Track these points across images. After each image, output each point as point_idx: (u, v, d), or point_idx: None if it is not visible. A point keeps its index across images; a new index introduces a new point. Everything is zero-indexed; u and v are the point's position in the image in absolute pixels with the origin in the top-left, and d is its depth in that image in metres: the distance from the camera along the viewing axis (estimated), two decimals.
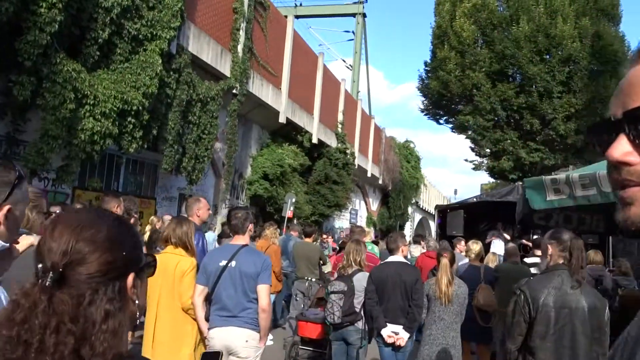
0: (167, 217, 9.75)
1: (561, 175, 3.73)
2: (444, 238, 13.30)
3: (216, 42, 13.99)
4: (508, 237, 14.08)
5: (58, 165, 9.39)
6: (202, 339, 3.87)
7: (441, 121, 22.21)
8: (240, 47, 15.13)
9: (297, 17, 20.63)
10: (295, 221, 20.05)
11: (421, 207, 51.44)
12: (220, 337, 3.64)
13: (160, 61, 10.91)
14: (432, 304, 4.60)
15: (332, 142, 24.16)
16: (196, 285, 3.79)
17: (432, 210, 58.78)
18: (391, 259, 4.75)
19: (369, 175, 30.99)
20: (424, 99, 21.98)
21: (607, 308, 2.75)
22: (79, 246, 1.10)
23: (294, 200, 18.49)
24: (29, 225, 2.81)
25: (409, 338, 4.54)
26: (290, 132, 20.31)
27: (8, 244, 1.59)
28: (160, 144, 12.47)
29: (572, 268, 2.77)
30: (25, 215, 2.82)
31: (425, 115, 21.98)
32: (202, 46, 13.28)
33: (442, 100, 20.77)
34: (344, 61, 33.11)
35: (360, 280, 4.70)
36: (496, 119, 18.63)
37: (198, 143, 13.46)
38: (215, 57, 14.03)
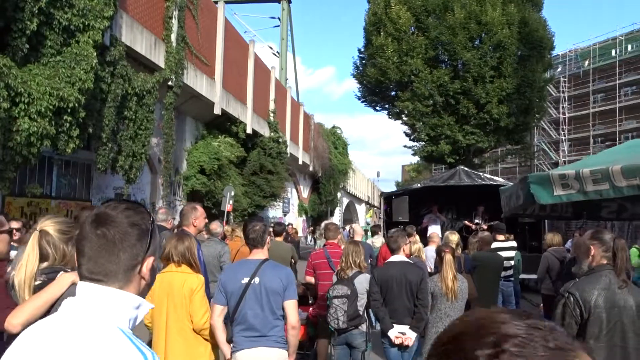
0: None
1: (570, 171, 3.84)
2: (390, 224, 13.58)
3: (149, 32, 13.28)
4: (444, 219, 14.61)
5: None
6: None
7: (378, 107, 22.52)
8: (173, 37, 14.47)
9: (226, 2, 19.99)
10: (232, 215, 19.67)
11: (348, 191, 52.29)
12: (250, 359, 3.43)
13: (94, 54, 10.20)
14: (437, 301, 4.63)
15: (265, 131, 23.87)
16: (215, 306, 3.53)
17: (358, 194, 59.97)
18: (394, 258, 4.72)
19: (300, 162, 31.00)
20: (360, 85, 22.17)
21: None
22: None
23: (232, 193, 18.11)
24: (65, 260, 2.47)
25: (416, 337, 4.56)
26: (225, 123, 19.81)
27: (153, 305, 1.37)
28: (94, 143, 11.70)
29: (617, 268, 2.86)
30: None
31: (362, 102, 22.18)
32: (135, 36, 12.54)
33: (377, 88, 21.04)
34: (271, 48, 32.68)
35: (362, 282, 4.64)
36: (434, 104, 19.16)
37: (134, 140, 12.75)
38: (149, 47, 13.32)
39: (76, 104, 9.77)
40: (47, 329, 1.19)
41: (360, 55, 21.79)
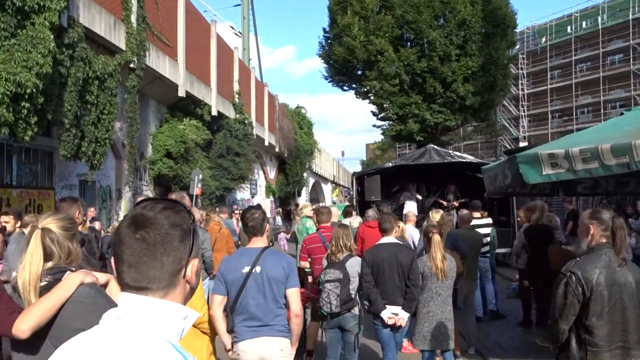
0: (91, 211, 8.92)
1: (559, 150, 3.87)
2: (363, 204, 13.66)
3: (108, 12, 12.75)
4: (420, 197, 14.75)
5: None
6: (214, 353, 3.56)
7: (345, 87, 22.37)
8: (134, 17, 13.95)
9: None
10: (200, 199, 19.39)
11: (314, 171, 52.32)
12: (253, 349, 3.35)
13: (52, 36, 9.72)
14: (428, 281, 4.66)
15: (231, 113, 23.53)
16: (214, 296, 3.43)
17: (324, 173, 60.14)
18: (384, 240, 4.71)
19: (266, 144, 30.77)
20: (327, 65, 21.96)
21: None
22: None
23: (200, 176, 17.85)
24: (70, 259, 2.32)
25: (408, 317, 4.59)
26: (189, 106, 19.38)
27: (200, 314, 1.29)
28: (56, 129, 11.24)
29: (617, 247, 2.91)
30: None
31: (330, 82, 21.99)
32: (94, 17, 12.01)
33: (344, 67, 20.88)
34: (233, 28, 32.01)
35: (353, 266, 4.61)
36: (400, 83, 19.15)
37: (97, 125, 12.30)
38: (109, 28, 12.80)
39: (34, 90, 9.33)
40: (91, 345, 1.08)
41: (326, 34, 21.53)
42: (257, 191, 32.90)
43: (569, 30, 43.61)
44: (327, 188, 65.44)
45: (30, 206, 11.43)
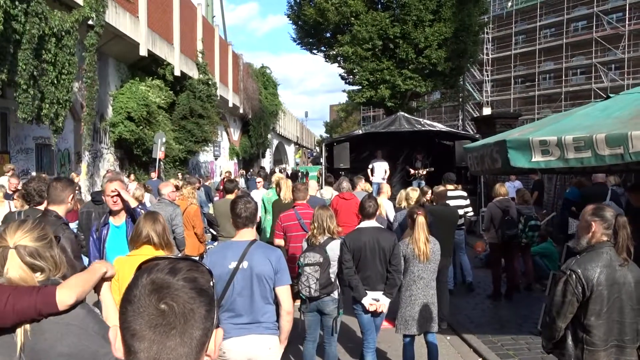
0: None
1: (552, 137, 3.78)
2: (331, 171, 13.53)
3: None
4: (386, 166, 14.71)
5: None
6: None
7: (314, 50, 21.70)
8: None
9: None
10: (162, 162, 18.83)
11: (278, 132, 51.66)
12: (240, 348, 3.20)
13: None
14: (410, 264, 4.58)
15: (194, 73, 22.74)
16: None
17: (288, 135, 59.58)
18: (365, 224, 4.57)
19: (230, 105, 30.06)
20: (295, 26, 21.17)
21: None
22: None
23: (164, 140, 17.30)
24: (58, 269, 2.07)
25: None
26: (151, 65, 18.59)
27: None
28: (11, 90, 10.55)
29: (618, 246, 2.86)
30: None
31: (298, 44, 21.24)
32: None
33: (313, 29, 20.18)
34: None
35: (334, 249, 4.47)
36: (373, 48, 18.69)
37: (57, 85, 11.63)
38: None
39: None
40: None
41: None
42: (221, 153, 32.34)
43: None
44: (290, 149, 65.04)
45: None
